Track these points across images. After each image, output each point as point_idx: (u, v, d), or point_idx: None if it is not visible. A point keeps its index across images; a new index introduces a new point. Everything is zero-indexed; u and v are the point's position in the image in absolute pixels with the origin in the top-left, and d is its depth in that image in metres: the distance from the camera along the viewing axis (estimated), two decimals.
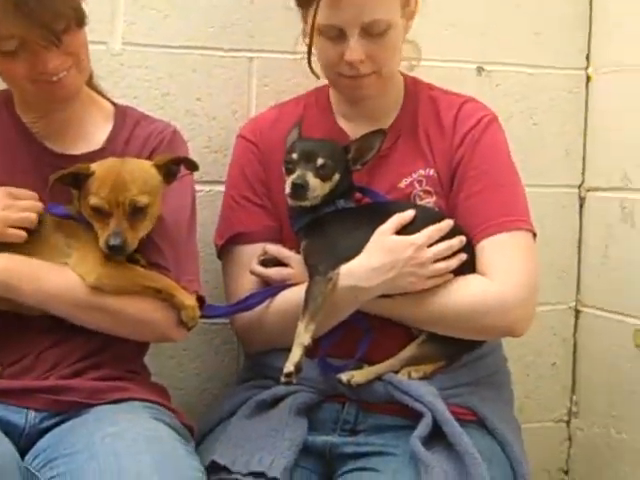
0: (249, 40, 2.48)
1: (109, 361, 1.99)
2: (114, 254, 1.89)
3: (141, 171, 1.94)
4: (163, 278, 1.96)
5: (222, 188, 2.30)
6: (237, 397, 2.13)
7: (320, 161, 2.02)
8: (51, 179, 1.90)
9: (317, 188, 2.01)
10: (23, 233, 1.92)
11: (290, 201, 2.04)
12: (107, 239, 1.88)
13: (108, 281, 1.91)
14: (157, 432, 1.80)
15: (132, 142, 2.08)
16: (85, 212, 1.94)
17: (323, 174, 2.02)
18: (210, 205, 2.40)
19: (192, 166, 2.03)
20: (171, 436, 1.82)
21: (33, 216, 1.93)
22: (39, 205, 1.95)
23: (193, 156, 2.16)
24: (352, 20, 2.03)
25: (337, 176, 2.04)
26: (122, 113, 2.13)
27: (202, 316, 2.06)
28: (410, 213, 2.05)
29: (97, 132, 2.08)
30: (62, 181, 1.91)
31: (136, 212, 1.90)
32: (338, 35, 2.05)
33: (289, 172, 2.04)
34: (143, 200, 1.90)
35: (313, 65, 2.19)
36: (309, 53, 2.14)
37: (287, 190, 2.02)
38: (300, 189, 2.00)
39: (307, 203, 2.03)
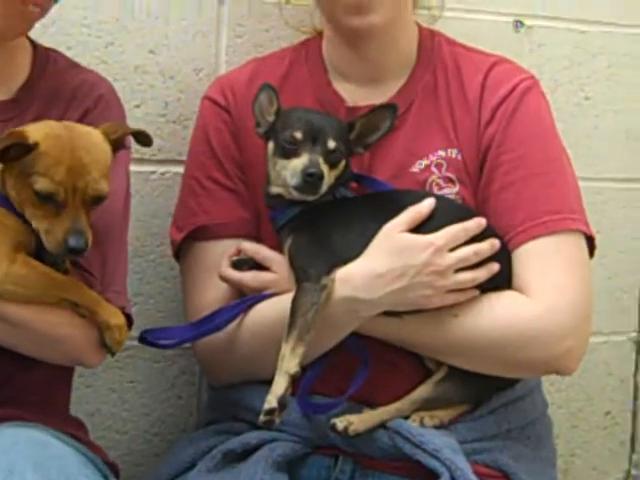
0: None
1: (10, 398, 1.82)
2: (71, 257, 1.74)
3: (97, 147, 1.74)
4: (85, 290, 1.79)
5: (182, 169, 2.11)
6: (197, 445, 1.96)
7: (332, 144, 1.87)
8: None
9: (328, 178, 1.88)
10: None
11: (296, 194, 1.87)
12: (65, 238, 1.69)
13: (14, 287, 1.71)
14: (46, 441, 1.70)
15: (54, 96, 1.89)
16: (18, 194, 1.73)
17: (333, 160, 1.88)
18: (166, 191, 2.20)
19: (148, 141, 1.82)
20: (64, 449, 1.72)
21: None
22: None
23: (143, 126, 1.98)
24: None
25: (343, 162, 1.90)
26: (44, 57, 1.94)
27: (151, 344, 1.91)
28: (429, 203, 1.87)
29: (10, 78, 1.90)
30: None
31: (96, 203, 1.72)
32: None
33: (289, 154, 1.87)
34: (105, 187, 1.72)
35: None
36: None
37: (294, 181, 1.85)
38: (317, 181, 1.83)
39: (316, 197, 1.88)
